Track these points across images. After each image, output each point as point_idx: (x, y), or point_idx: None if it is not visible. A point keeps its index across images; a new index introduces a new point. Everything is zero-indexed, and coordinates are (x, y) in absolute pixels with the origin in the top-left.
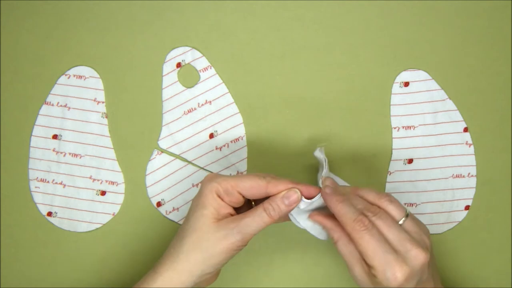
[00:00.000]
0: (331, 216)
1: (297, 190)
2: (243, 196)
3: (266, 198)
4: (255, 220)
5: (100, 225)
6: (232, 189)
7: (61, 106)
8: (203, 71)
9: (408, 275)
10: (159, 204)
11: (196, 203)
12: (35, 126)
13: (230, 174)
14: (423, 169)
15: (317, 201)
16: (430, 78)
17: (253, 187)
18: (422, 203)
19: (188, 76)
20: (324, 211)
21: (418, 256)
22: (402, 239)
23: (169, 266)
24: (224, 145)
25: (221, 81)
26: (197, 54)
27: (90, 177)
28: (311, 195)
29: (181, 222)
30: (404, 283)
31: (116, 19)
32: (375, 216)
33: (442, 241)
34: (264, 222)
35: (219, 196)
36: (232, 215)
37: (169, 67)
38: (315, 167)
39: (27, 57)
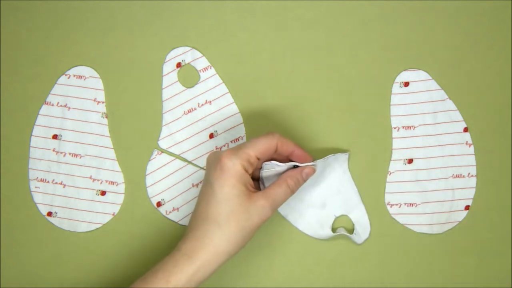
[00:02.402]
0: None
1: (313, 168)
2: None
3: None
4: (283, 194)
5: (100, 225)
6: (253, 158)
7: (61, 106)
8: (203, 71)
9: None
10: (159, 204)
11: (221, 184)
12: (35, 126)
13: (227, 146)
14: (423, 169)
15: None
16: (430, 78)
17: (268, 148)
18: (422, 203)
19: (188, 76)
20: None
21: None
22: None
23: (207, 250)
24: (224, 145)
25: (221, 81)
26: (197, 54)
27: (90, 177)
28: (306, 160)
29: (181, 222)
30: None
31: (116, 19)
32: None
33: (442, 241)
34: (287, 196)
35: (245, 171)
36: (251, 185)
37: (169, 67)
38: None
39: (27, 57)
